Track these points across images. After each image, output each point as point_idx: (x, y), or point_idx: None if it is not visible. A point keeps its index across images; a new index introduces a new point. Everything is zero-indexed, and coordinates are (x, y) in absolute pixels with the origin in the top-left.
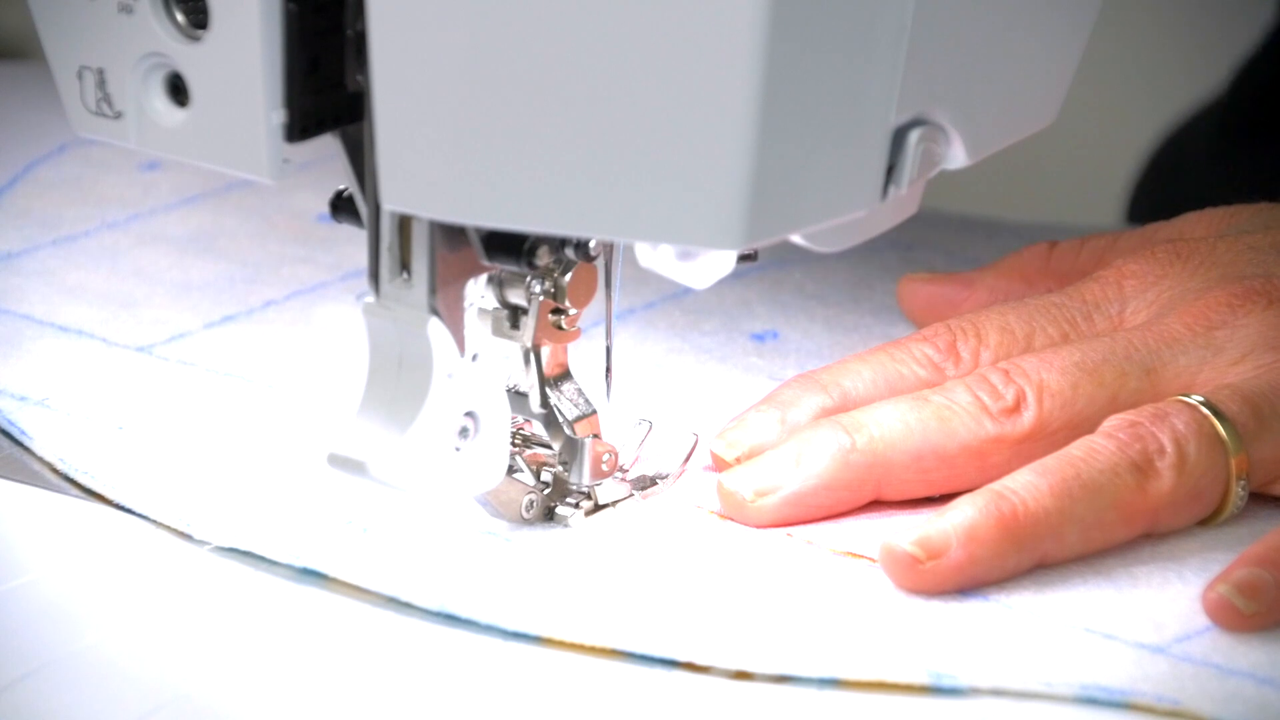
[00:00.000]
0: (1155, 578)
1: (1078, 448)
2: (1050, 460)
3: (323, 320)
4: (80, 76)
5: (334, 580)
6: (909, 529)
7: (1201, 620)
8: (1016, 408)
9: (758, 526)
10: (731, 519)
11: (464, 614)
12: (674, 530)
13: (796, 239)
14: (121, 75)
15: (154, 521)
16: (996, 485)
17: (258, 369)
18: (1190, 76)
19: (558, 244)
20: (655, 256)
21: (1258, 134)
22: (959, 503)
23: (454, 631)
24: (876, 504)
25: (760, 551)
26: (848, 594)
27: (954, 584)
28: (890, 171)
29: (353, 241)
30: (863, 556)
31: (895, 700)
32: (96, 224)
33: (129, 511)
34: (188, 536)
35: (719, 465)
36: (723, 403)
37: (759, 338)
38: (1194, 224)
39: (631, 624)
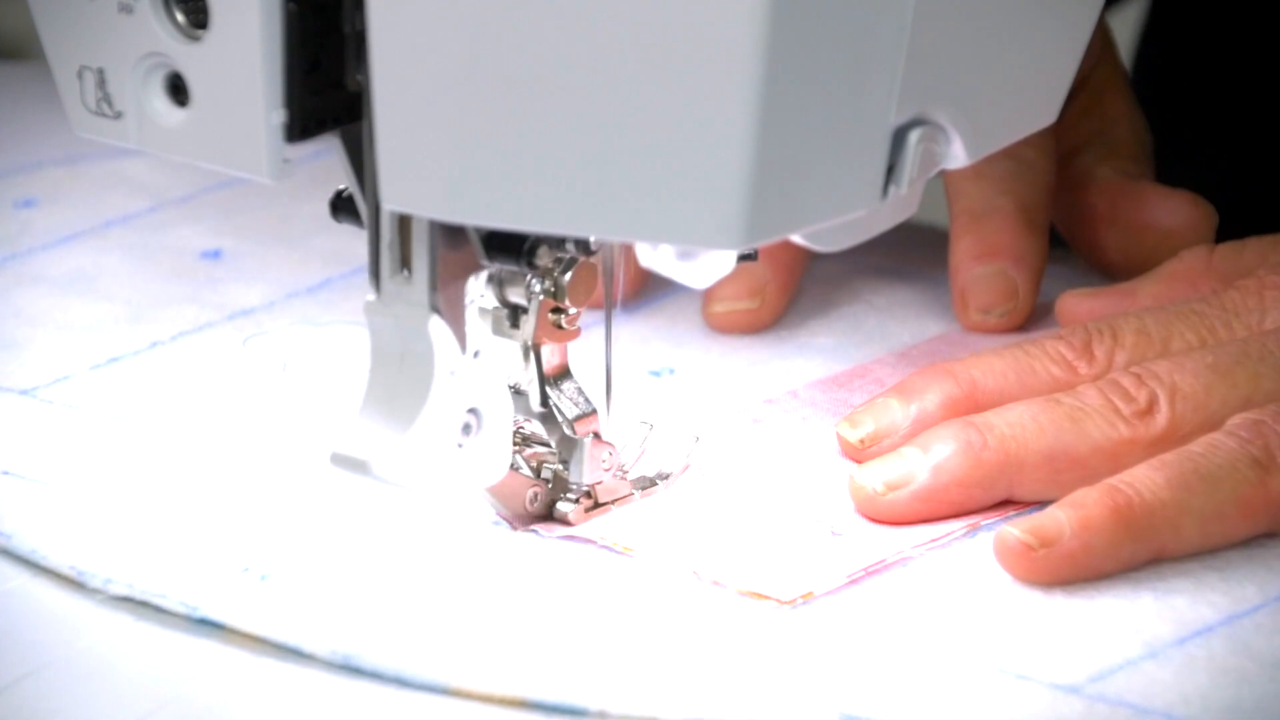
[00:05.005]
0: (1071, 615)
1: (1198, 444)
2: (1169, 455)
3: (211, 361)
4: (80, 76)
5: (231, 630)
6: (1022, 520)
7: (1118, 658)
8: (1149, 410)
9: (889, 522)
10: (863, 513)
11: (368, 664)
12: (582, 573)
13: (797, 239)
14: (121, 75)
15: (43, 568)
16: (1113, 479)
17: (146, 411)
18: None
19: (558, 243)
20: (655, 256)
21: (1159, 118)
22: (1074, 494)
23: (357, 682)
24: (784, 538)
25: (667, 594)
26: (756, 636)
27: (1068, 573)
28: (890, 171)
29: (238, 281)
30: (768, 597)
31: None
32: None
33: (17, 557)
34: (80, 583)
35: (844, 447)
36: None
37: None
38: None
39: (539, 672)
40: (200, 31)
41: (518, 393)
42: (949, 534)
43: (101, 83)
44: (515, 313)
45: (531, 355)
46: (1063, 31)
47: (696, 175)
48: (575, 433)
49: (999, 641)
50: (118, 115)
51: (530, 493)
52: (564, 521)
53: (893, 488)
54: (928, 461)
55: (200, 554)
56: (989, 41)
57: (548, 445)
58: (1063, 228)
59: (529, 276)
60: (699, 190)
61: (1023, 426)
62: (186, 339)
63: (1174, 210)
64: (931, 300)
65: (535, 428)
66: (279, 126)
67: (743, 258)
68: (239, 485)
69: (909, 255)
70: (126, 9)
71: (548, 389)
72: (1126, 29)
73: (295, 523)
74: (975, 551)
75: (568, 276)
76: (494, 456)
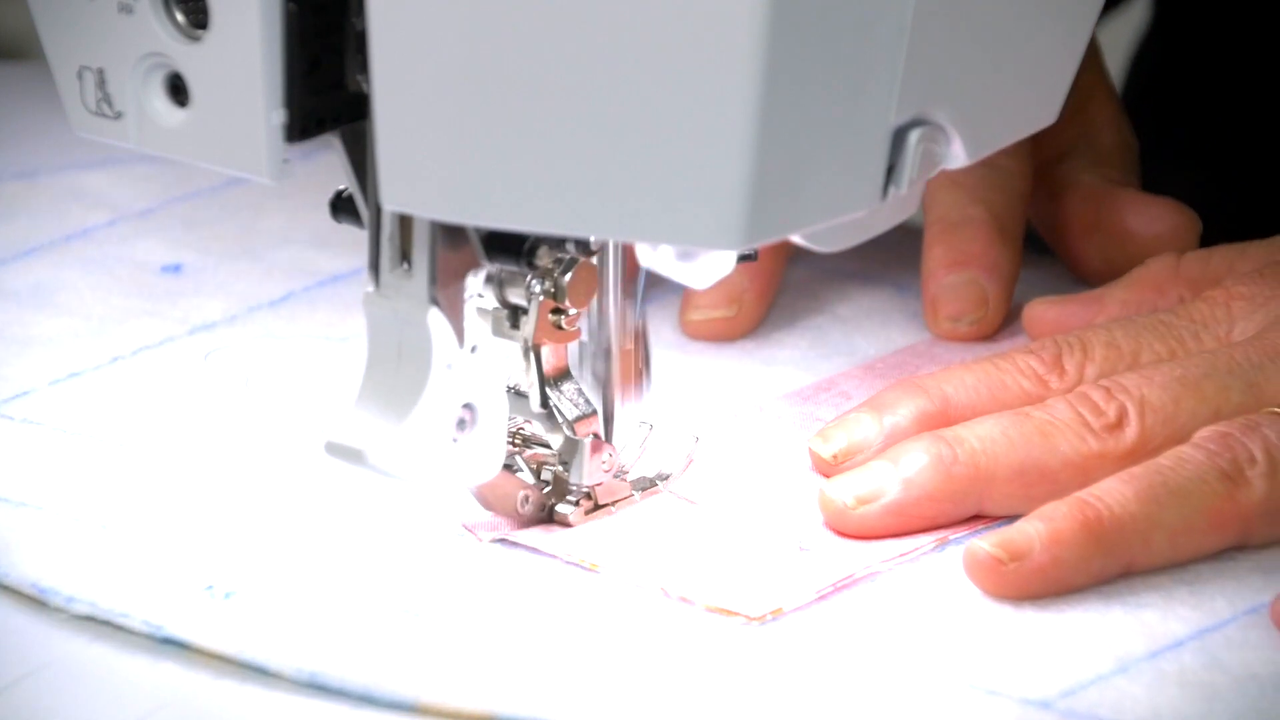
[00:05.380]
0: (1041, 630)
1: (1167, 457)
2: (1138, 469)
3: (172, 375)
4: (80, 76)
5: (195, 649)
6: (992, 534)
7: (1089, 673)
8: (1119, 424)
9: (860, 536)
10: (833, 528)
11: (334, 682)
12: (549, 589)
13: (796, 239)
14: (121, 75)
15: (4, 586)
16: (1082, 492)
17: (108, 427)
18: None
19: (557, 243)
20: (655, 256)
21: (1151, 124)
22: (1043, 508)
23: (324, 701)
24: (755, 555)
25: (636, 610)
26: (725, 653)
27: (1038, 587)
28: (890, 171)
29: (200, 294)
30: (737, 614)
31: None
32: None
33: None
34: (42, 602)
35: (816, 462)
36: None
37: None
38: None
39: (508, 688)
40: (200, 31)
41: (518, 394)
42: (918, 548)
43: (101, 83)
44: (515, 313)
45: (531, 356)
46: (1063, 32)
47: (696, 175)
48: (575, 434)
49: (969, 657)
50: (118, 115)
51: (521, 494)
52: (564, 523)
53: (863, 502)
54: (898, 475)
55: (163, 572)
56: (989, 41)
57: (548, 446)
58: (1045, 234)
59: (529, 277)
60: (699, 190)
61: (993, 441)
62: (147, 353)
63: (1157, 217)
64: (896, 310)
65: (535, 429)
66: (279, 126)
67: (743, 258)
68: (201, 502)
69: (874, 258)
70: (126, 9)
71: (548, 390)
72: (1122, 39)
73: (259, 540)
74: (945, 566)
75: (568, 277)
76: (488, 452)
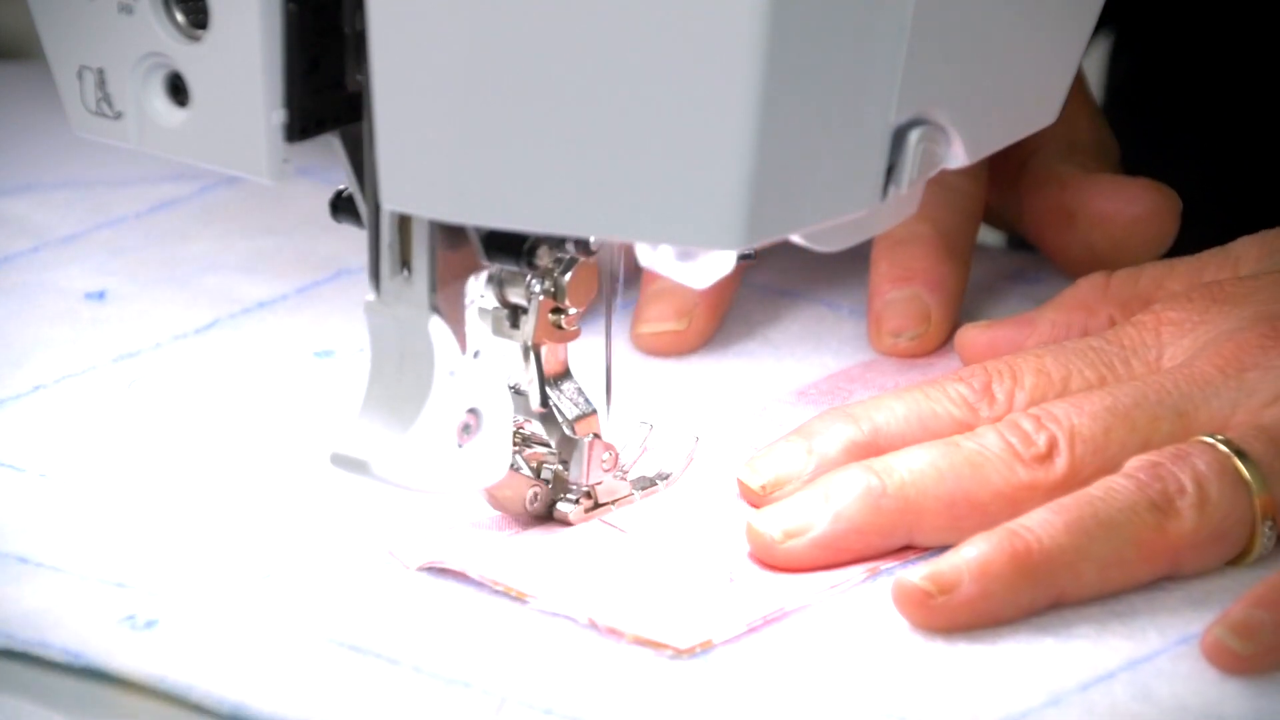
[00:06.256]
0: (973, 662)
1: (1097, 488)
2: (1068, 499)
3: (95, 404)
4: (80, 76)
5: (119, 680)
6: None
7: (1020, 705)
8: (1049, 454)
9: (788, 569)
10: (761, 561)
11: (257, 713)
12: (478, 619)
13: (796, 239)
14: (121, 75)
15: None
16: (1011, 523)
17: (30, 456)
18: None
19: (558, 243)
20: (655, 256)
21: (1129, 125)
22: (972, 539)
23: None
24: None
25: (565, 640)
26: (650, 686)
27: (967, 620)
28: (890, 171)
29: (124, 322)
30: (666, 646)
31: None
32: None
33: None
34: None
35: (744, 492)
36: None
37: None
38: (1247, 248)
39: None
40: (200, 31)
41: (518, 393)
42: (849, 580)
43: (101, 83)
44: (515, 313)
45: (531, 356)
46: (1063, 31)
47: (696, 175)
48: (575, 433)
49: (900, 690)
50: (118, 115)
51: (530, 492)
52: (564, 522)
53: (791, 535)
54: (828, 510)
55: (83, 602)
56: (989, 41)
57: (548, 446)
58: (1027, 228)
59: (529, 277)
60: (699, 190)
61: (922, 473)
62: (70, 382)
63: (1135, 198)
64: (826, 333)
65: (535, 428)
66: (279, 126)
67: (742, 258)
68: (122, 531)
69: (801, 277)
70: (126, 9)
71: (548, 389)
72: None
73: (180, 568)
74: (876, 598)
75: (568, 277)
76: (494, 457)
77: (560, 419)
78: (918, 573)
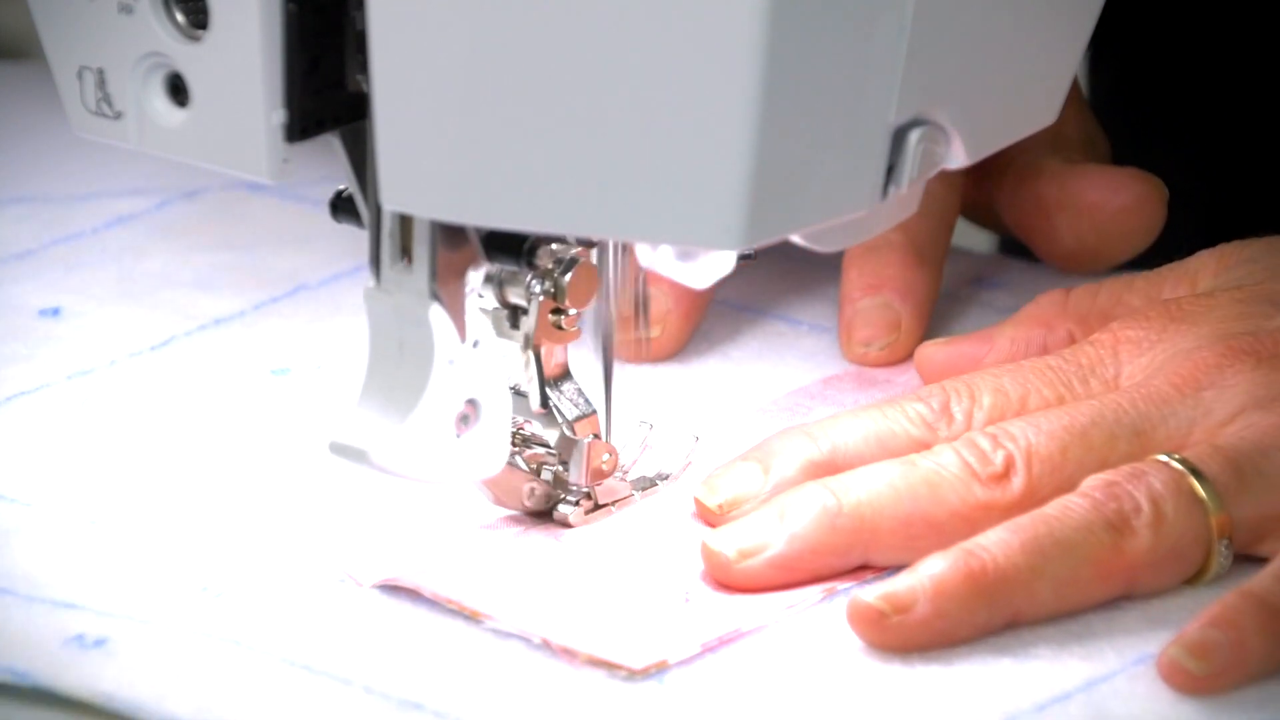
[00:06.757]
0: (929, 682)
1: (1053, 507)
2: (1024, 519)
3: (49, 423)
4: (80, 76)
5: (67, 701)
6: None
7: None
8: (1006, 473)
9: (743, 589)
10: (716, 581)
11: None
12: (429, 639)
13: (796, 239)
14: (121, 75)
15: None
16: (967, 543)
17: None
18: None
19: (558, 242)
20: (655, 256)
21: (1110, 131)
22: (928, 559)
23: None
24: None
25: (519, 660)
26: (604, 707)
27: (923, 640)
28: (890, 171)
29: (78, 339)
30: (620, 666)
31: None
32: None
33: None
34: None
35: (701, 511)
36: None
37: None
38: (1205, 262)
39: None
40: (200, 31)
41: (518, 394)
42: (805, 600)
43: (101, 83)
44: (515, 313)
45: (531, 356)
46: (1063, 31)
47: (696, 175)
48: (575, 434)
49: (857, 711)
50: (118, 115)
51: (528, 487)
52: (564, 524)
53: (746, 555)
54: (783, 529)
55: (31, 621)
56: (989, 41)
57: (547, 446)
58: (1014, 222)
59: (529, 277)
60: (699, 190)
61: (879, 492)
62: (23, 400)
63: (1122, 187)
64: (786, 349)
65: (535, 428)
66: (279, 126)
67: (742, 258)
68: (72, 550)
69: (762, 293)
70: (126, 9)
71: (547, 390)
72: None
73: (130, 587)
74: (832, 618)
75: (568, 277)
76: (492, 448)
77: (560, 419)
78: (873, 592)
